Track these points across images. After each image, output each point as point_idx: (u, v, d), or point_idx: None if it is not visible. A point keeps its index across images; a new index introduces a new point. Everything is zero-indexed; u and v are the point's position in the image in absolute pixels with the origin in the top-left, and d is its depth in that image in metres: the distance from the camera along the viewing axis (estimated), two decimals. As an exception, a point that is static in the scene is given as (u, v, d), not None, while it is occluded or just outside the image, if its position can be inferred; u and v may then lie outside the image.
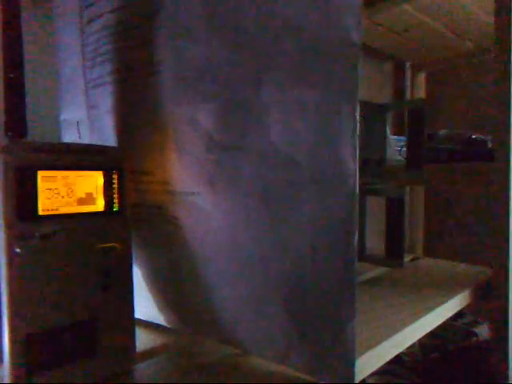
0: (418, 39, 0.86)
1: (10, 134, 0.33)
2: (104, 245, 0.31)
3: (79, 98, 0.43)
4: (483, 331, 0.72)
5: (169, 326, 0.40)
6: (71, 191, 0.30)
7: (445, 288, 0.52)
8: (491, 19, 0.49)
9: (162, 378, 0.32)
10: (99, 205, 0.31)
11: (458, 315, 0.74)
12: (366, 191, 0.59)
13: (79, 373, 0.30)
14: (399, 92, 1.06)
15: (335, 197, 0.28)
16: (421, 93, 1.05)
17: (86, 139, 0.42)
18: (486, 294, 0.53)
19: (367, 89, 0.96)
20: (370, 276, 0.58)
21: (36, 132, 0.46)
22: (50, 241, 0.28)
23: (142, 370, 0.33)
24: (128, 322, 0.33)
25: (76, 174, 0.30)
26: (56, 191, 0.29)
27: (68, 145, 0.31)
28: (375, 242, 0.66)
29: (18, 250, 0.27)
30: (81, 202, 0.30)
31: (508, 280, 0.49)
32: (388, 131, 0.62)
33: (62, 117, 0.47)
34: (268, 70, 0.30)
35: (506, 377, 0.50)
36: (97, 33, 0.39)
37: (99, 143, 0.40)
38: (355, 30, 0.26)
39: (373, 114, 0.58)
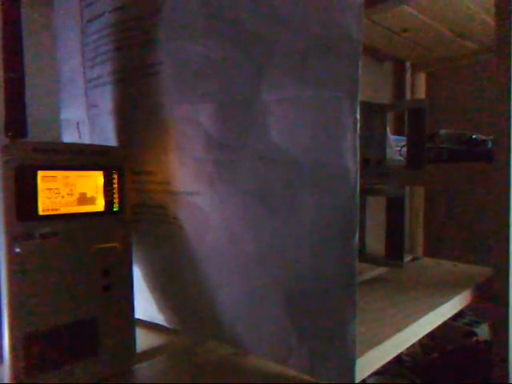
0: (418, 39, 0.86)
1: (9, 134, 0.33)
2: (104, 245, 0.31)
3: (79, 97, 0.43)
4: (483, 331, 0.72)
5: (169, 326, 0.40)
6: (71, 191, 0.30)
7: (445, 288, 0.52)
8: (491, 19, 0.49)
9: (162, 378, 0.32)
10: (99, 205, 0.31)
11: (458, 315, 0.74)
12: (366, 191, 0.59)
13: (79, 373, 0.30)
14: (399, 92, 1.06)
15: (335, 196, 0.28)
16: (421, 93, 1.05)
17: (86, 139, 0.42)
18: (486, 294, 0.53)
19: (367, 89, 0.96)
20: (370, 276, 0.58)
21: (36, 132, 0.46)
22: (50, 241, 0.28)
23: (142, 370, 0.33)
24: (128, 321, 0.33)
25: (76, 173, 0.30)
26: (56, 191, 0.29)
27: (68, 145, 0.31)
28: (375, 242, 0.66)
29: (17, 250, 0.27)
30: (81, 201, 0.30)
31: (508, 280, 0.49)
32: (388, 131, 0.62)
33: (62, 117, 0.47)
34: (267, 69, 0.30)
35: (506, 377, 0.50)
36: (97, 33, 0.39)
37: (99, 143, 0.40)
38: (356, 27, 0.26)
39: (373, 114, 0.58)
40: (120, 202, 0.32)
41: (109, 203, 0.32)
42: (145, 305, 0.40)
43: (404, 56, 1.00)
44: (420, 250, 1.03)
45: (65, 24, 0.44)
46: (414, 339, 0.42)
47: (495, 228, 0.49)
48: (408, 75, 1.05)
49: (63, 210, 0.29)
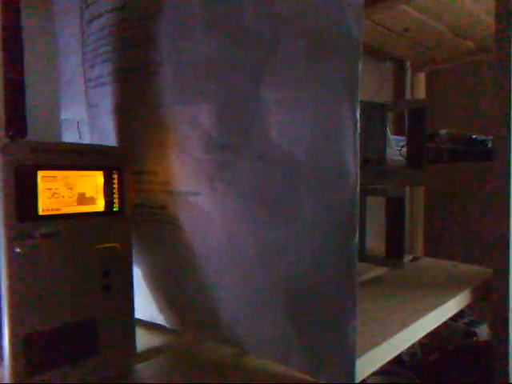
0: (418, 39, 0.86)
1: (10, 133, 0.33)
2: (104, 245, 0.31)
3: (79, 97, 0.43)
4: (483, 331, 0.72)
5: (169, 326, 0.40)
6: (71, 191, 0.30)
7: (445, 288, 0.52)
8: (491, 19, 0.49)
9: (162, 378, 0.32)
10: (99, 205, 0.31)
11: (458, 315, 0.74)
12: (366, 191, 0.59)
13: (79, 373, 0.30)
14: (399, 92, 1.06)
15: (336, 196, 0.28)
16: (421, 93, 1.05)
17: (86, 139, 0.42)
18: (486, 294, 0.53)
19: (367, 89, 0.96)
20: (371, 276, 0.58)
21: (36, 132, 0.46)
22: (50, 241, 0.28)
23: (142, 370, 0.33)
24: (128, 321, 0.33)
25: (76, 174, 0.30)
26: (56, 191, 0.29)
27: (68, 145, 0.31)
28: (375, 242, 0.66)
29: (18, 250, 0.27)
30: (81, 201, 0.30)
31: (508, 280, 0.49)
32: (388, 131, 0.62)
33: (62, 117, 0.47)
34: (268, 69, 0.30)
35: (506, 377, 0.50)
36: (97, 33, 0.39)
37: (99, 143, 0.40)
38: (356, 27, 0.26)
39: (373, 113, 0.58)
40: (120, 202, 0.32)
41: (109, 203, 0.32)
42: (145, 305, 0.40)
43: (404, 56, 1.00)
44: (420, 250, 1.03)
45: (65, 24, 0.44)
46: (414, 339, 0.42)
47: (495, 228, 0.49)
48: (408, 75, 1.05)
49: (63, 210, 0.29)
